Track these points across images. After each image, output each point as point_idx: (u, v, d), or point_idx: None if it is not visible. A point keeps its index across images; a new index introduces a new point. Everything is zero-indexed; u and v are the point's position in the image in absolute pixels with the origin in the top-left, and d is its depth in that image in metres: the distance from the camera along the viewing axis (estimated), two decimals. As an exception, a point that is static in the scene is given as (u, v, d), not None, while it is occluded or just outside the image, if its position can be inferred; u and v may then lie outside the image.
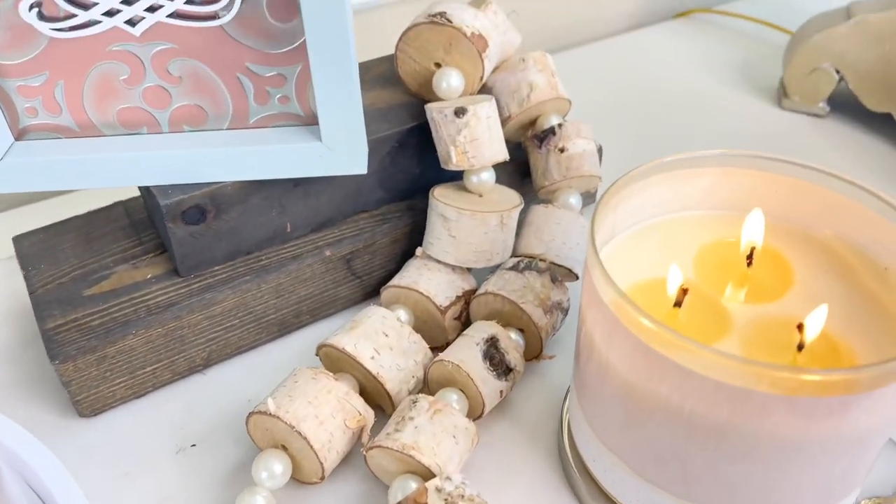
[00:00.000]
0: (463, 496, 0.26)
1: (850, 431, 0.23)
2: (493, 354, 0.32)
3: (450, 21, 0.35)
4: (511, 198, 0.37)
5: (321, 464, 0.29)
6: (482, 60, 0.36)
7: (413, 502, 0.26)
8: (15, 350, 0.37)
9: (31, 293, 0.34)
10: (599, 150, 0.43)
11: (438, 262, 0.36)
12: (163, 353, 0.34)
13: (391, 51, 0.38)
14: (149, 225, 0.37)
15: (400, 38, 0.37)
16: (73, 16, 0.29)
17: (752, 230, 0.28)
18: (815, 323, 0.25)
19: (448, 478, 0.27)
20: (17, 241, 0.37)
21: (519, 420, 0.33)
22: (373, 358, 0.32)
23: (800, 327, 0.25)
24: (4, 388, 0.35)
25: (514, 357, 0.33)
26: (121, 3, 0.29)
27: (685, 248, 0.30)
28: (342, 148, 0.32)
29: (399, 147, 0.37)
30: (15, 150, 0.32)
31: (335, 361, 0.33)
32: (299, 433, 0.29)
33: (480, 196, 0.36)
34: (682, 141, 0.52)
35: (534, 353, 0.35)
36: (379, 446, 0.29)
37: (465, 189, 0.37)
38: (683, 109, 0.56)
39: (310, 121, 0.33)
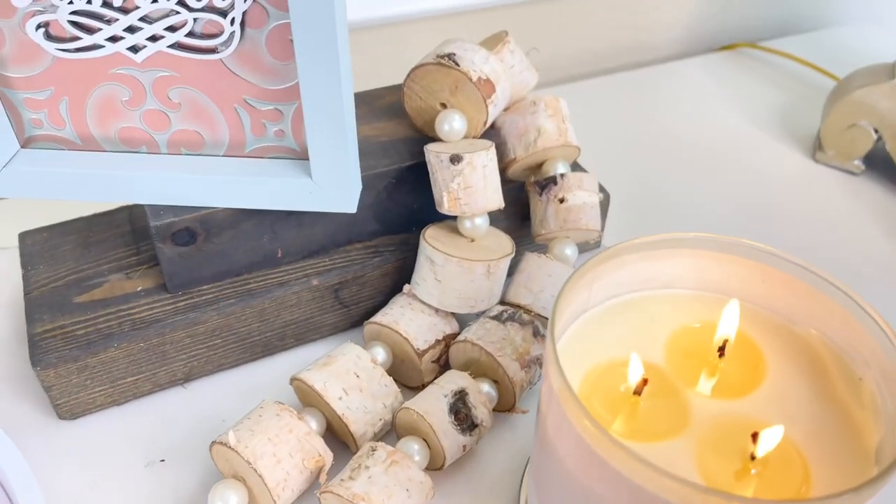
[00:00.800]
0: (401, 557, 0.27)
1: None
2: (459, 409, 0.32)
3: (457, 64, 0.35)
4: (503, 245, 0.36)
5: (274, 501, 0.30)
6: (486, 106, 0.35)
7: (351, 558, 0.27)
8: (10, 344, 0.38)
9: (25, 294, 0.35)
10: (606, 200, 0.42)
11: (423, 302, 0.36)
12: (144, 366, 0.35)
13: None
14: (148, 235, 0.38)
15: (408, 75, 0.36)
16: (78, 38, 0.30)
17: (727, 323, 0.28)
18: (771, 439, 0.24)
19: (389, 536, 0.27)
20: (22, 237, 0.38)
21: (482, 473, 0.33)
22: (340, 398, 0.32)
23: (754, 437, 0.24)
24: (-4, 380, 0.36)
25: (481, 413, 0.32)
26: (124, 30, 0.30)
27: (660, 327, 0.29)
28: (332, 186, 0.32)
29: (396, 183, 0.37)
30: (20, 157, 0.33)
31: (306, 395, 0.33)
32: (255, 470, 0.29)
33: (472, 241, 0.36)
34: (704, 183, 0.51)
35: (507, 405, 0.35)
36: (331, 492, 0.29)
37: (458, 231, 0.36)
38: (713, 149, 0.54)
39: (303, 156, 0.33)
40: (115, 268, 0.37)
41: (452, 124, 0.36)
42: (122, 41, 0.30)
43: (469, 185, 0.34)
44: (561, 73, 0.65)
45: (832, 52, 0.65)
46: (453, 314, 0.36)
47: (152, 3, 0.29)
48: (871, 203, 0.50)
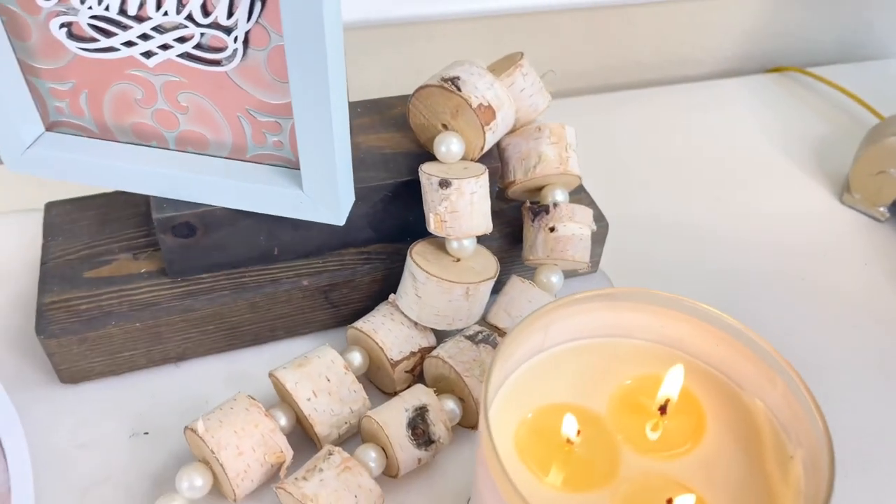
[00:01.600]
0: (334, 562, 0.29)
1: None
2: (417, 424, 0.33)
3: (459, 89, 0.36)
4: (487, 267, 0.37)
5: (233, 489, 0.32)
6: (484, 133, 0.36)
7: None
8: (26, 305, 0.41)
9: (42, 263, 0.38)
10: (605, 229, 0.42)
11: (404, 314, 0.37)
12: (140, 343, 0.37)
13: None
14: (159, 218, 0.40)
15: (414, 93, 0.37)
16: (97, 40, 0.32)
17: (670, 384, 0.28)
18: (682, 508, 0.25)
19: (327, 540, 0.29)
20: (48, 208, 0.41)
21: (438, 487, 0.35)
22: (309, 399, 0.34)
23: (668, 502, 0.25)
24: (9, 336, 0.40)
25: (439, 430, 0.34)
26: (138, 37, 0.31)
27: (611, 375, 0.30)
28: (321, 200, 0.34)
29: (392, 197, 0.38)
30: (44, 140, 0.36)
31: (280, 391, 0.35)
32: (217, 459, 0.32)
33: (458, 260, 0.37)
34: (721, 209, 0.51)
35: (471, 423, 0.36)
36: (284, 489, 0.31)
37: (445, 249, 0.38)
38: (740, 175, 0.54)
39: (298, 167, 0.34)
40: (125, 247, 0.39)
41: (450, 147, 0.36)
42: (136, 47, 0.32)
43: (456, 209, 0.35)
44: (603, 83, 0.65)
45: (885, 86, 0.63)
46: (431, 329, 0.38)
47: (163, 15, 0.31)
48: (890, 251, 0.49)
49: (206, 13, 0.30)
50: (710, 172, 0.54)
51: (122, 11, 0.31)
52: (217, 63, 0.32)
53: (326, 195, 0.33)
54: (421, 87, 0.37)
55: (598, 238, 0.42)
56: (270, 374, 0.35)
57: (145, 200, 0.41)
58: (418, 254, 0.37)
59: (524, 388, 0.29)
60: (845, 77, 0.63)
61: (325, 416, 0.34)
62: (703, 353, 0.30)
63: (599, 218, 0.42)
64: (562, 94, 0.63)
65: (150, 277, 0.38)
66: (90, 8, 0.31)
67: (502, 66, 0.40)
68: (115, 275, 0.38)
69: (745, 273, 0.46)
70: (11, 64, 0.33)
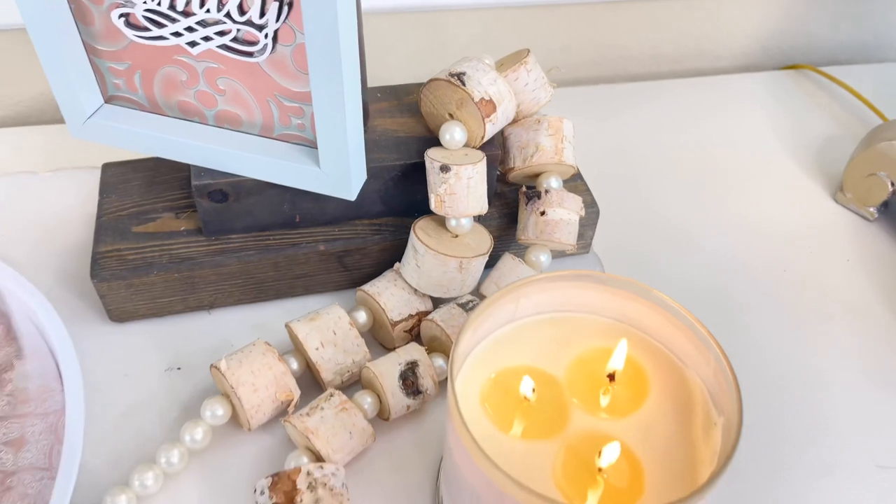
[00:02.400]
0: (325, 485, 0.34)
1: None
2: (407, 376, 0.39)
3: (463, 84, 0.40)
4: (481, 244, 0.42)
5: (248, 420, 0.38)
6: (485, 124, 0.41)
7: (287, 476, 0.34)
8: (83, 249, 0.47)
9: (98, 217, 0.44)
10: (596, 214, 0.47)
11: (405, 281, 0.42)
12: (177, 291, 0.43)
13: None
14: (199, 183, 0.46)
15: (425, 84, 0.42)
16: (150, 29, 0.37)
17: (617, 357, 0.33)
18: (611, 453, 0.29)
19: (321, 466, 0.35)
20: (105, 168, 0.47)
21: (423, 430, 0.40)
22: (317, 349, 0.39)
23: (600, 452, 0.30)
24: (68, 278, 0.46)
25: (427, 382, 0.39)
26: (184, 29, 0.37)
27: (572, 345, 0.34)
28: (335, 176, 0.39)
29: (401, 176, 0.43)
30: (103, 112, 0.41)
31: (293, 339, 0.41)
32: (235, 393, 0.37)
33: (456, 237, 0.42)
34: (716, 201, 0.54)
35: (458, 379, 0.41)
36: (290, 422, 0.37)
37: (444, 226, 0.42)
38: (740, 169, 0.57)
39: (317, 147, 0.39)
40: (169, 207, 0.45)
41: (454, 135, 0.41)
42: (182, 37, 0.37)
43: (454, 192, 0.40)
44: (619, 72, 0.68)
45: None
46: (429, 295, 0.43)
47: (206, 12, 0.36)
48: (880, 249, 0.51)
49: (241, 12, 0.35)
50: (714, 163, 0.57)
51: (172, 7, 0.36)
52: (250, 55, 0.37)
53: (340, 173, 0.38)
54: (432, 80, 0.41)
55: (590, 222, 0.46)
56: (286, 325, 0.41)
57: (187, 167, 0.47)
58: (421, 229, 0.42)
59: (494, 351, 0.34)
60: (860, 78, 0.65)
61: (330, 363, 0.40)
62: (652, 331, 0.34)
63: (591, 204, 0.46)
64: (580, 82, 0.66)
65: (188, 235, 0.43)
66: (145, 2, 0.36)
67: (510, 60, 0.44)
68: (159, 231, 0.44)
69: (733, 261, 0.50)
70: (77, 44, 0.39)
